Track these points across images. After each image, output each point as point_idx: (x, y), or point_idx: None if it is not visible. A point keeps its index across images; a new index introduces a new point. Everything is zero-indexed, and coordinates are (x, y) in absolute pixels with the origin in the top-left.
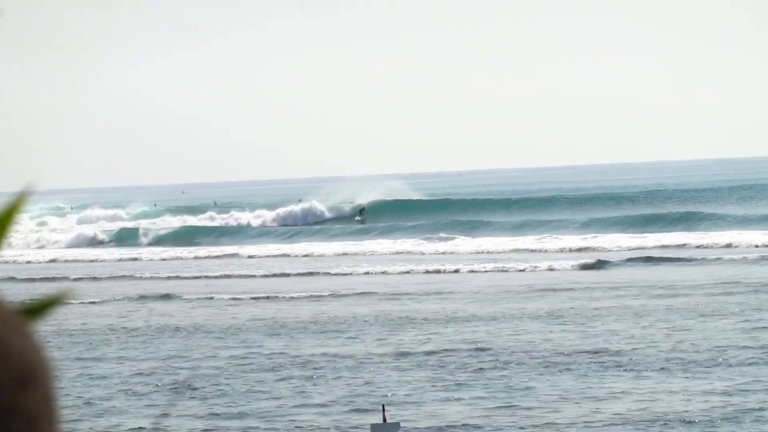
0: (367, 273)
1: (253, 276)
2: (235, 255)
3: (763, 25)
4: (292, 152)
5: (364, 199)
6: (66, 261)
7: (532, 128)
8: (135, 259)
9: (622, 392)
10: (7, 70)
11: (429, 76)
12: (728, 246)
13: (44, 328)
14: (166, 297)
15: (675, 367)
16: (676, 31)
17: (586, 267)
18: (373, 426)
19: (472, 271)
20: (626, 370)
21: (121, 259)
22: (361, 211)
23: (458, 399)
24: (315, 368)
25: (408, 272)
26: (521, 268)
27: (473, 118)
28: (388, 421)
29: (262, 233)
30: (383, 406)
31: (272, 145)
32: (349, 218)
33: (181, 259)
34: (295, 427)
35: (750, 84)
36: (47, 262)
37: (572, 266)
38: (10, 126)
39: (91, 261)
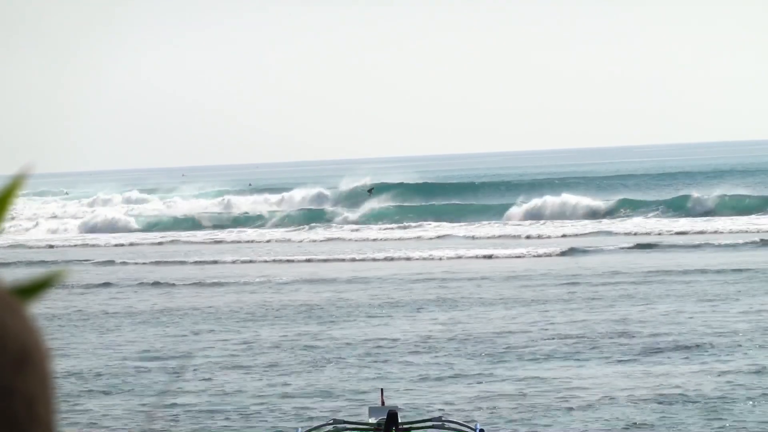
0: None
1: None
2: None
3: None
4: (304, 136)
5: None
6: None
7: (550, 110)
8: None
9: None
10: (14, 61)
11: (440, 61)
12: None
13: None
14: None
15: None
16: (675, 16)
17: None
18: (371, 409)
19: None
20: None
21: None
22: (370, 191)
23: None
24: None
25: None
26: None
27: (487, 102)
28: (386, 404)
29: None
30: (381, 389)
31: (276, 130)
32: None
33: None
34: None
35: (743, 70)
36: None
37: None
38: (16, 112)
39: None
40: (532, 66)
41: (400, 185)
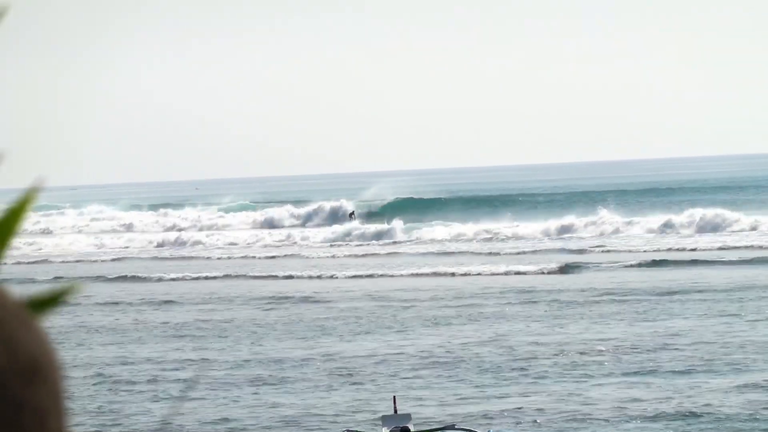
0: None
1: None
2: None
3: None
4: (311, 149)
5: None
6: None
7: (561, 122)
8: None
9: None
10: (22, 69)
11: (441, 71)
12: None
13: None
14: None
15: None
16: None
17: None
18: (384, 417)
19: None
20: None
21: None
22: (351, 214)
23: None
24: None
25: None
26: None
27: (491, 113)
28: (399, 411)
29: None
30: (394, 396)
31: (287, 142)
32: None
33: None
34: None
35: (739, 82)
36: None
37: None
38: (23, 123)
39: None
40: (529, 79)
41: (385, 204)
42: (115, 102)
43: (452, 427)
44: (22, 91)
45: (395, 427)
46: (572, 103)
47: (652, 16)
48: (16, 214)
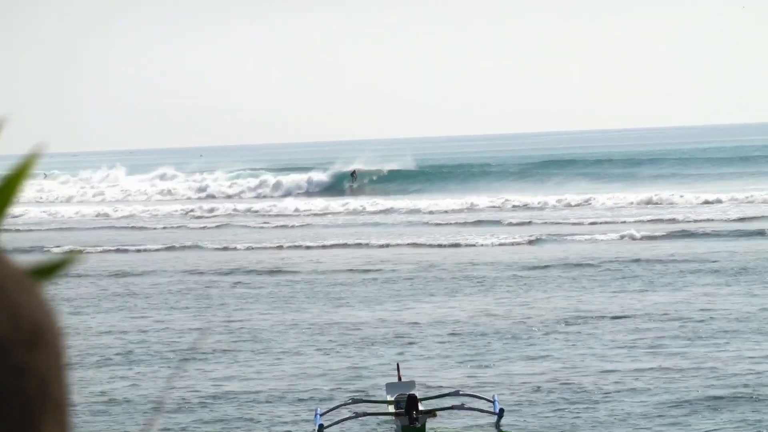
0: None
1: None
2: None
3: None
4: (311, 117)
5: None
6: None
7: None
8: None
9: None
10: (30, 37)
11: (444, 42)
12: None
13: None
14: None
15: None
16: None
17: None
18: (388, 385)
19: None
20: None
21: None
22: (352, 174)
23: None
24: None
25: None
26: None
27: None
28: (403, 379)
29: None
30: (398, 364)
31: (290, 111)
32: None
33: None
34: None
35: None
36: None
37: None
38: (48, 91)
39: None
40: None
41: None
42: (117, 70)
43: (456, 393)
44: (27, 61)
45: (400, 394)
46: (547, 73)
47: None
48: (14, 180)
